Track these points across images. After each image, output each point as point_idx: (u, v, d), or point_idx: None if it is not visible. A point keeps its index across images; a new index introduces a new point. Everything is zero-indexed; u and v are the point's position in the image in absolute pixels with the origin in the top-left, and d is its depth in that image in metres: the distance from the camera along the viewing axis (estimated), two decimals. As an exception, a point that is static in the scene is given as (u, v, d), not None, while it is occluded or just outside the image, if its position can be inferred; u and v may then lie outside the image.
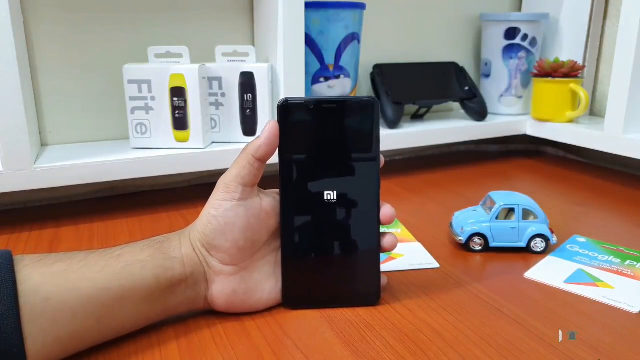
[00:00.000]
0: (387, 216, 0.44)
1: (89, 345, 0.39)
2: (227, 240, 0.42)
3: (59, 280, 0.37)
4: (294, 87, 0.77)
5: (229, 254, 0.42)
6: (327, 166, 0.43)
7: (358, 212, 0.44)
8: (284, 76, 0.76)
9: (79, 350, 0.39)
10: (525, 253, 0.58)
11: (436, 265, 0.56)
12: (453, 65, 1.01)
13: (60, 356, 0.37)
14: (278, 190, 0.44)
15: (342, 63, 0.85)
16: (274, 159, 0.43)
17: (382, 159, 0.44)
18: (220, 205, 0.42)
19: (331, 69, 0.85)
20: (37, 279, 0.36)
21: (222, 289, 0.43)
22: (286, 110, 0.42)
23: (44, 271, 0.37)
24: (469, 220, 0.59)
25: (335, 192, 0.43)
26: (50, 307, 0.36)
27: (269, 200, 0.44)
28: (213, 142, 0.77)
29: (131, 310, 0.40)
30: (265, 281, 0.45)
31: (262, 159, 0.42)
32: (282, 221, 0.44)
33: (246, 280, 0.43)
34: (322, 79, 0.85)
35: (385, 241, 0.45)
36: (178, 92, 0.71)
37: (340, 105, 0.43)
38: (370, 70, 0.96)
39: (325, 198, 0.43)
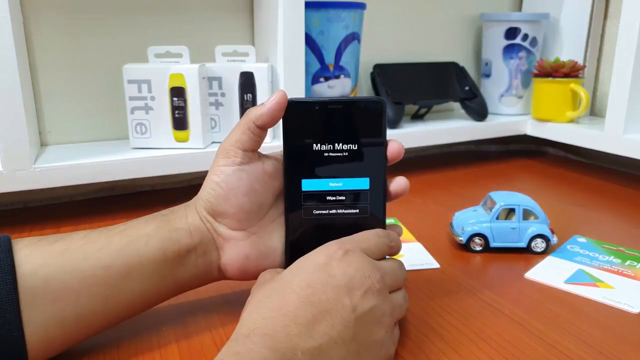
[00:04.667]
0: (394, 151, 0.42)
1: (97, 328, 0.38)
2: (232, 205, 0.41)
3: (60, 260, 0.36)
4: (294, 87, 0.76)
5: (236, 219, 0.41)
6: (332, 167, 0.43)
7: (362, 212, 0.44)
8: (284, 76, 0.76)
9: (86, 335, 0.38)
10: (526, 253, 0.58)
11: (436, 265, 0.55)
12: (453, 65, 1.01)
13: (66, 341, 0.37)
14: (279, 152, 0.43)
15: (342, 63, 0.85)
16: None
17: (397, 146, 0.42)
18: (221, 172, 0.41)
19: (331, 68, 0.84)
20: (36, 260, 0.35)
21: (234, 256, 0.42)
22: (291, 110, 0.42)
23: (43, 251, 0.36)
24: (469, 220, 0.59)
25: (339, 194, 0.43)
26: (51, 289, 0.35)
27: (272, 162, 0.42)
28: (213, 142, 0.77)
29: (139, 286, 0.38)
30: (277, 244, 0.43)
31: (263, 127, 0.41)
32: (286, 220, 0.43)
33: (257, 244, 0.42)
34: (322, 79, 0.85)
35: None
36: (178, 92, 0.71)
37: (347, 105, 0.42)
38: (371, 70, 0.96)
39: (330, 198, 0.43)
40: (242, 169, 0.41)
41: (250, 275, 0.43)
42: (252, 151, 0.41)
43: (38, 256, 0.36)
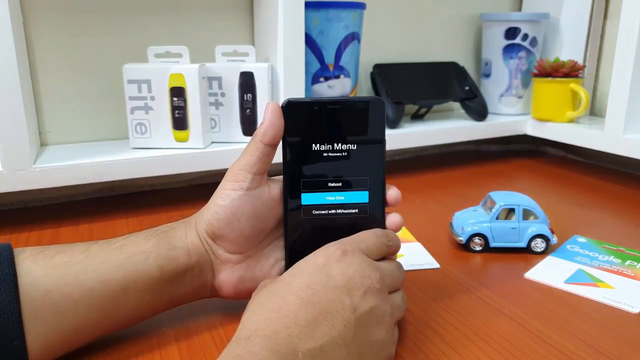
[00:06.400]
0: (392, 198, 0.43)
1: (94, 338, 0.39)
2: (233, 230, 0.41)
3: (60, 272, 0.36)
4: (294, 87, 0.76)
5: (236, 243, 0.42)
6: (331, 167, 0.43)
7: (361, 212, 0.44)
8: (284, 76, 0.76)
9: (83, 343, 0.38)
10: (526, 253, 0.58)
11: (436, 265, 0.55)
12: (453, 65, 1.01)
13: (64, 349, 0.37)
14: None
15: (342, 63, 0.85)
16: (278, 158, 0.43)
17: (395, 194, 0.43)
18: (228, 195, 0.41)
19: (331, 68, 0.84)
20: (37, 271, 0.36)
21: (228, 277, 0.42)
22: (290, 110, 0.42)
23: (44, 264, 0.37)
24: (469, 220, 0.59)
25: (338, 194, 0.43)
26: (51, 300, 0.36)
27: (278, 187, 0.43)
28: (213, 142, 0.77)
29: (135, 301, 0.39)
30: (273, 267, 0.44)
31: (271, 144, 0.41)
32: (285, 220, 0.43)
33: (253, 267, 0.43)
34: (322, 79, 0.85)
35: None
36: (178, 92, 0.71)
37: (346, 105, 0.42)
38: (370, 70, 0.96)
39: (330, 199, 0.43)
40: (249, 193, 0.41)
41: (243, 295, 0.43)
42: (261, 174, 0.41)
43: (39, 268, 0.36)
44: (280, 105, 0.42)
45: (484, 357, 0.40)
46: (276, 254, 0.44)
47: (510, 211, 0.58)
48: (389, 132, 0.87)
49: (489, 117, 0.99)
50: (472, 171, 0.94)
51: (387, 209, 0.44)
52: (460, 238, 0.58)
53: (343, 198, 0.43)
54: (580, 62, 0.98)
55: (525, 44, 0.99)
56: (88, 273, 0.37)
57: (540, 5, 1.06)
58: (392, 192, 0.44)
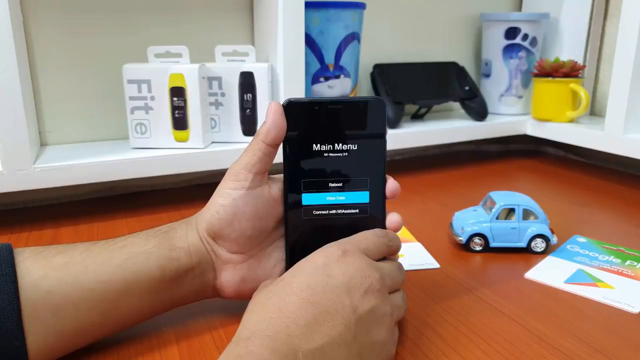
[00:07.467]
0: (392, 191, 0.44)
1: (94, 339, 0.39)
2: (234, 230, 0.41)
3: (61, 273, 0.36)
4: (294, 87, 0.76)
5: (237, 243, 0.41)
6: (332, 167, 0.43)
7: (362, 212, 0.44)
8: (284, 76, 0.76)
9: (84, 343, 0.38)
10: (526, 253, 0.58)
11: (436, 265, 0.55)
12: (453, 65, 1.01)
13: (64, 350, 0.37)
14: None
15: (342, 63, 0.85)
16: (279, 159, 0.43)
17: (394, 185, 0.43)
18: (228, 195, 0.41)
19: (331, 68, 0.84)
20: (38, 272, 0.36)
21: (230, 278, 0.42)
22: (291, 110, 0.42)
23: (44, 264, 0.36)
24: (469, 220, 0.59)
25: (339, 194, 0.43)
26: (52, 301, 0.35)
27: (278, 187, 0.42)
28: (213, 142, 0.77)
29: (136, 302, 0.39)
30: (274, 267, 0.43)
31: (273, 144, 0.41)
32: (285, 220, 0.43)
33: (254, 267, 0.43)
34: (322, 79, 0.85)
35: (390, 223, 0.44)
36: (178, 92, 0.71)
37: (346, 105, 0.42)
38: (370, 70, 0.96)
39: (330, 199, 0.43)
40: (250, 193, 0.41)
41: (245, 295, 0.43)
42: (262, 173, 0.41)
43: (40, 268, 0.36)
44: (281, 105, 0.41)
45: (484, 357, 0.40)
46: (278, 254, 0.44)
47: (510, 211, 0.58)
48: (389, 132, 0.87)
49: (489, 117, 0.99)
50: (472, 171, 0.94)
51: (385, 203, 0.44)
52: (460, 238, 0.58)
53: (344, 198, 0.43)
54: (580, 62, 0.98)
55: (525, 44, 1.00)
56: (88, 274, 0.37)
57: (540, 5, 1.06)
58: (390, 184, 0.43)
